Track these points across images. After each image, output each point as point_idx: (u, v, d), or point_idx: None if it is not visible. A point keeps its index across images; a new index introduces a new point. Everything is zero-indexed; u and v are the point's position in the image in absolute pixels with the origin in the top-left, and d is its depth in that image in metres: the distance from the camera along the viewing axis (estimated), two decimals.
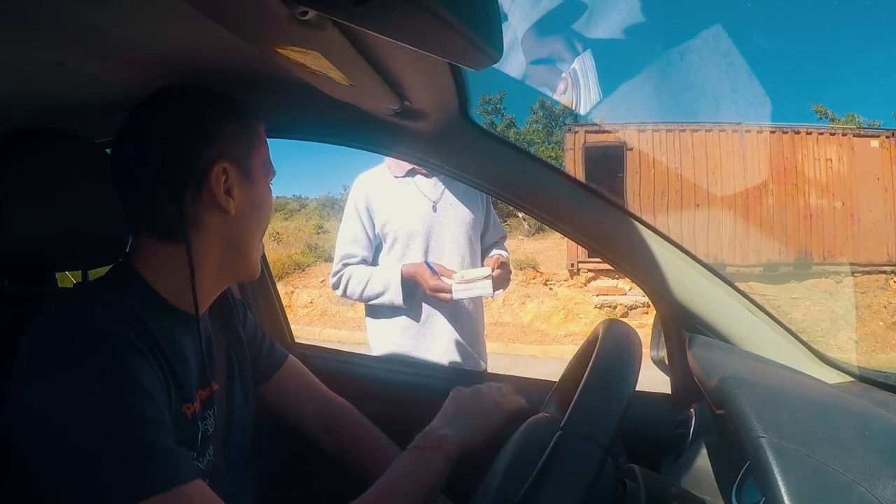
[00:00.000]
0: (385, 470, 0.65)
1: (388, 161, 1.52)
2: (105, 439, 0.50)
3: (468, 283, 1.39)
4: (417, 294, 1.45)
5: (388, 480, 0.63)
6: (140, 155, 0.63)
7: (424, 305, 1.48)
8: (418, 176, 1.49)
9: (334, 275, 1.52)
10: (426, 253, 1.47)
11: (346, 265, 1.50)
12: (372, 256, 1.52)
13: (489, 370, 1.65)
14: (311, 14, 0.42)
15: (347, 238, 1.50)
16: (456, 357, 1.48)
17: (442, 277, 1.39)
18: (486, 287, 1.39)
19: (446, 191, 1.50)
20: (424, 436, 0.68)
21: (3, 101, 0.85)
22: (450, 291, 1.38)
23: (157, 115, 0.64)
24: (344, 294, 1.50)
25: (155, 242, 0.64)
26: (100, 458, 0.49)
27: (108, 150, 0.78)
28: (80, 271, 0.79)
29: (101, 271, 0.77)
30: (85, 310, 0.56)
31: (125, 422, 0.51)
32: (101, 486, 0.49)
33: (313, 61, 0.54)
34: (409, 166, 1.49)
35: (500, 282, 1.43)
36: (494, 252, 1.59)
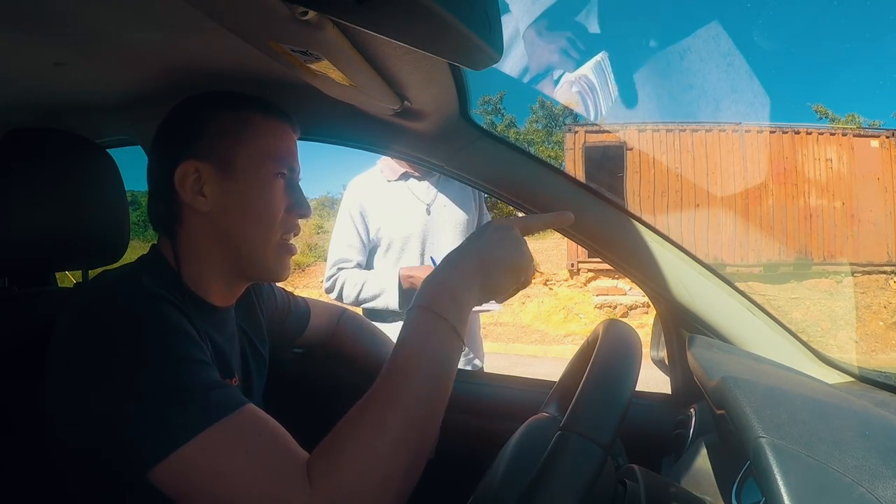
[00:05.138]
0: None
1: (381, 165, 1.52)
2: (165, 380, 0.51)
3: None
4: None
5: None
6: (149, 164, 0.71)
7: None
8: (411, 179, 1.49)
9: (328, 279, 1.51)
10: (422, 256, 1.47)
11: (340, 269, 1.49)
12: (366, 260, 1.51)
13: (488, 370, 1.65)
14: (311, 14, 0.42)
15: (343, 242, 1.50)
16: None
17: None
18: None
19: (439, 193, 1.49)
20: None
21: (3, 101, 0.85)
22: None
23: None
24: (339, 298, 1.48)
25: (162, 238, 0.69)
26: (164, 396, 0.50)
27: (108, 150, 0.78)
28: (80, 271, 0.79)
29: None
30: (128, 280, 0.60)
31: (180, 363, 0.52)
32: (169, 423, 0.49)
33: (313, 61, 0.54)
34: (401, 170, 1.48)
35: None
36: None
